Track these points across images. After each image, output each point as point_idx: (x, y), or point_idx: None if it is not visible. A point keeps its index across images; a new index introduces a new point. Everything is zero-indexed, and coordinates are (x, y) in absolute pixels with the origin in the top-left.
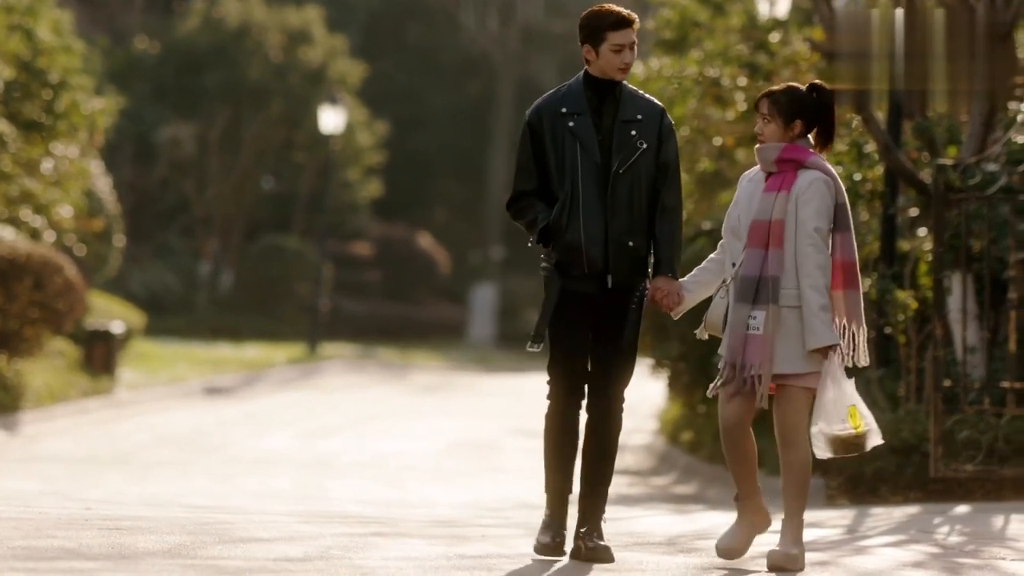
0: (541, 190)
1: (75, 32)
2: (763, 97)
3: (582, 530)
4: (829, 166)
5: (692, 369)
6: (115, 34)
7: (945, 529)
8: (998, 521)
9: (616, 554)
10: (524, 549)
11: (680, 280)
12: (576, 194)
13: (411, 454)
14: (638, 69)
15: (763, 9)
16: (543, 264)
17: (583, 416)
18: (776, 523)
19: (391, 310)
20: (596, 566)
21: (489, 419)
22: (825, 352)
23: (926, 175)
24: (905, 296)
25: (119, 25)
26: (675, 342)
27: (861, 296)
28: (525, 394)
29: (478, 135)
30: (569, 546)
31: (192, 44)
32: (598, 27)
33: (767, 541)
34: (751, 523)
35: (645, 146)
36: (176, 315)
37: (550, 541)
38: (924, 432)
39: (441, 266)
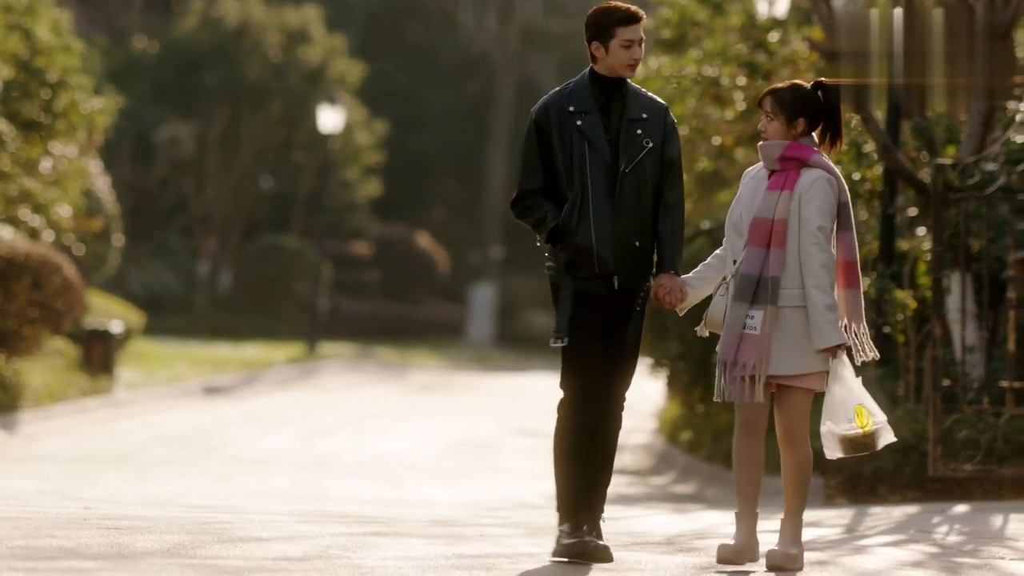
0: (547, 189)
1: (74, 31)
2: (767, 94)
3: (563, 527)
4: (832, 165)
5: (691, 368)
6: (114, 33)
7: (944, 529)
8: (997, 520)
9: (615, 553)
10: (523, 549)
11: (683, 277)
12: (586, 194)
13: (410, 454)
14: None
15: (762, 8)
16: (548, 264)
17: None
18: (775, 522)
19: (390, 310)
20: (595, 566)
21: (488, 419)
22: (834, 352)
23: (925, 174)
24: (904, 296)
25: (118, 24)
26: (674, 341)
27: (862, 295)
28: (524, 393)
29: (477, 134)
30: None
31: (191, 44)
32: (607, 23)
33: (767, 541)
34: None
35: (651, 145)
36: (175, 315)
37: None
38: (923, 432)
39: (440, 266)
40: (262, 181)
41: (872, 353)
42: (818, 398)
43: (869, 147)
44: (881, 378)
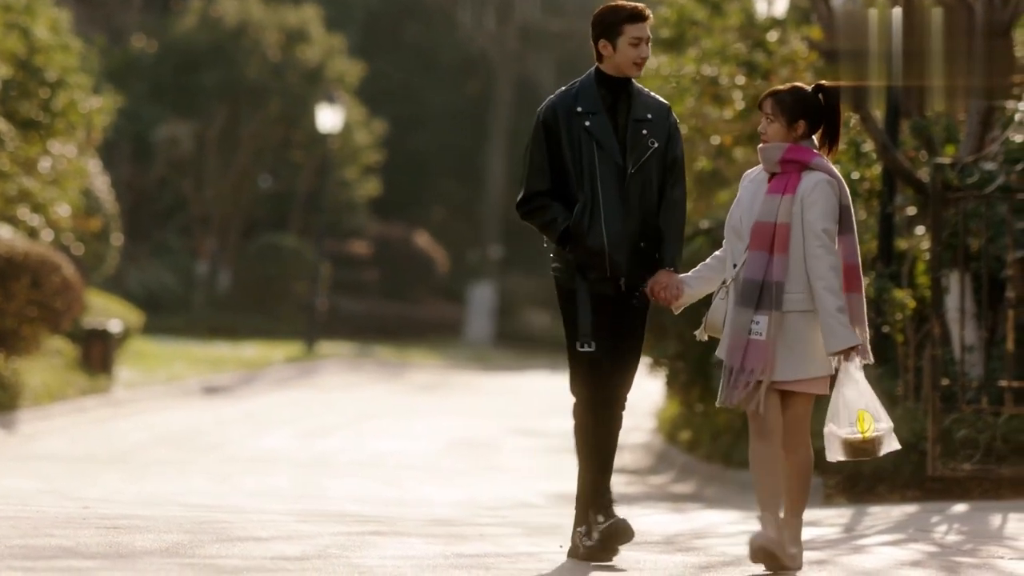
0: (555, 190)
1: (73, 30)
2: (767, 96)
3: (580, 529)
4: (833, 167)
5: (690, 368)
6: (113, 33)
7: (943, 528)
8: (996, 520)
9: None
10: (522, 548)
11: (682, 276)
12: (596, 196)
13: (409, 453)
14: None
15: (761, 8)
16: (555, 265)
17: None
18: None
19: (389, 309)
20: (594, 564)
21: (487, 418)
22: (847, 354)
23: (924, 174)
24: (903, 295)
25: (117, 24)
26: (673, 341)
27: (864, 298)
28: (523, 393)
29: (476, 134)
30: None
31: (190, 43)
32: (614, 21)
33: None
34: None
35: (656, 145)
36: (174, 314)
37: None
38: (922, 431)
39: (439, 265)
40: (261, 180)
41: (870, 358)
42: (819, 399)
43: (868, 146)
44: (880, 377)
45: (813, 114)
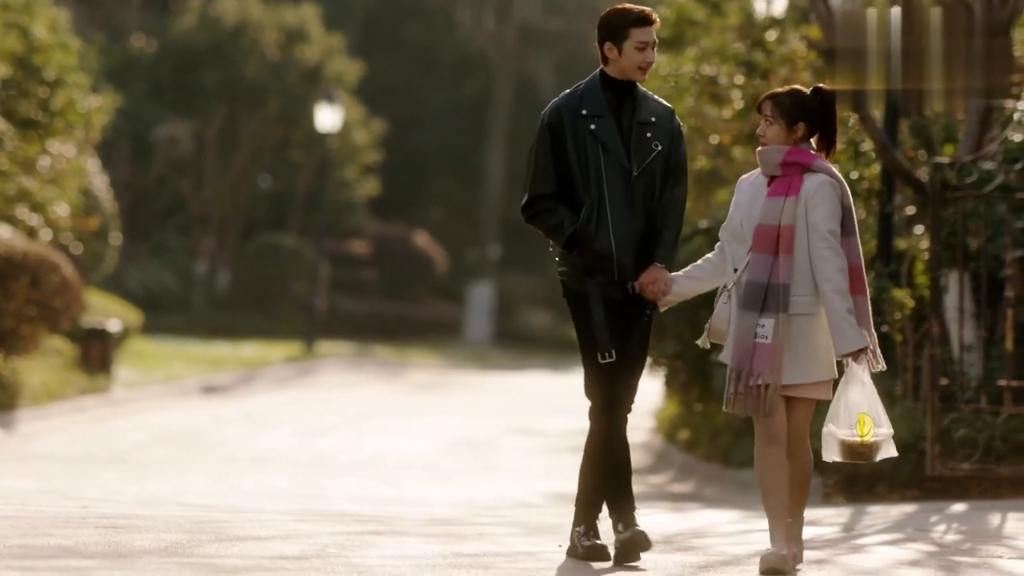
0: (559, 193)
1: (72, 30)
2: (766, 99)
3: (579, 528)
4: (834, 169)
5: (689, 368)
6: (112, 32)
7: (942, 527)
8: (995, 519)
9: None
10: (521, 547)
11: (673, 274)
12: (603, 199)
13: (408, 452)
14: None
15: (760, 7)
16: (561, 268)
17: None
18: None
19: (388, 308)
20: (594, 564)
21: (486, 418)
22: (856, 355)
23: (923, 173)
24: (902, 294)
25: (116, 23)
26: (672, 340)
27: (869, 300)
28: (522, 392)
29: (475, 134)
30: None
31: (189, 42)
32: (620, 24)
33: (762, 540)
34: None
35: (660, 148)
36: (173, 313)
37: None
38: (921, 430)
39: (438, 265)
40: (260, 180)
41: (882, 364)
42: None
43: (867, 146)
44: (879, 377)
45: (812, 116)
